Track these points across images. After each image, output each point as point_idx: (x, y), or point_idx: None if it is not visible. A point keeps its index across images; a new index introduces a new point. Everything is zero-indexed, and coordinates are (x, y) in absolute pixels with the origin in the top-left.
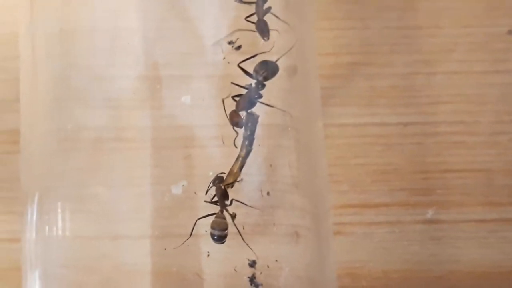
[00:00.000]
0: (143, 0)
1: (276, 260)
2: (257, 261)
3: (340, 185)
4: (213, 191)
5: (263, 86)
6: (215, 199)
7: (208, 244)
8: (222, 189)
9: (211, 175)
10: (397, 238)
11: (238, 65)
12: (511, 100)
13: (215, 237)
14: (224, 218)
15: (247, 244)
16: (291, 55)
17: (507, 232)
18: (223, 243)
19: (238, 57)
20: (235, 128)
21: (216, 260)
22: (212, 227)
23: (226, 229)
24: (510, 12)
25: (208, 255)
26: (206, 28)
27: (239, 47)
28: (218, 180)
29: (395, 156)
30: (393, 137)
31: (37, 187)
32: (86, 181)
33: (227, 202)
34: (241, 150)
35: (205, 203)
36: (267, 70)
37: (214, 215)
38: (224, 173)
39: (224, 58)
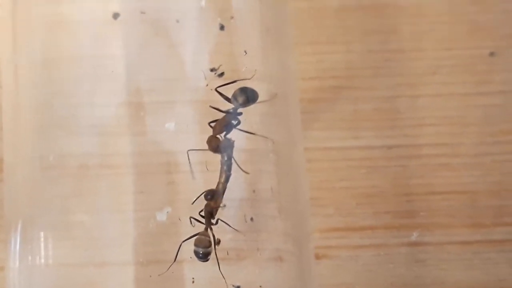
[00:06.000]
0: (126, 27)
1: (260, 286)
2: (241, 287)
3: (325, 208)
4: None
5: (241, 112)
6: (203, 214)
7: (193, 271)
8: (211, 207)
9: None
10: (383, 261)
11: (216, 90)
12: (494, 122)
13: (200, 255)
14: (208, 236)
15: (222, 275)
16: (272, 81)
17: (492, 254)
18: (207, 260)
19: (221, 83)
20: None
21: (201, 286)
22: (196, 244)
23: (210, 246)
24: (492, 34)
25: (193, 282)
26: (189, 54)
27: (221, 74)
28: (209, 195)
29: (379, 179)
30: (377, 160)
31: (21, 215)
32: (70, 208)
33: (213, 221)
34: (220, 176)
35: (190, 229)
36: (246, 96)
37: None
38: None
39: (207, 85)
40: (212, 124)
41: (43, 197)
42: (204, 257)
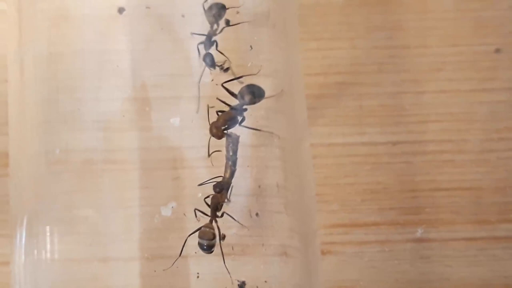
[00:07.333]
0: (131, 22)
1: (265, 281)
2: (246, 282)
3: (330, 204)
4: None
5: (246, 109)
6: (208, 201)
7: (198, 266)
8: (217, 199)
9: (200, 197)
10: (387, 257)
11: (222, 85)
12: (499, 118)
13: (204, 247)
14: (212, 228)
15: (227, 269)
16: (278, 76)
17: (497, 250)
18: (211, 252)
19: (226, 78)
20: (212, 139)
21: (205, 281)
22: (200, 237)
23: (214, 238)
24: (497, 30)
25: (198, 277)
26: (195, 50)
27: (227, 69)
28: (218, 187)
29: (384, 175)
30: (382, 156)
31: (26, 210)
32: (75, 203)
33: (218, 214)
34: (225, 171)
35: (195, 224)
36: (253, 93)
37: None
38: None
39: (212, 80)
40: (220, 114)
41: (49, 192)
42: (208, 249)
